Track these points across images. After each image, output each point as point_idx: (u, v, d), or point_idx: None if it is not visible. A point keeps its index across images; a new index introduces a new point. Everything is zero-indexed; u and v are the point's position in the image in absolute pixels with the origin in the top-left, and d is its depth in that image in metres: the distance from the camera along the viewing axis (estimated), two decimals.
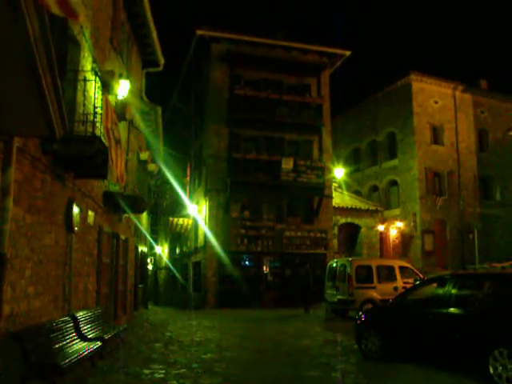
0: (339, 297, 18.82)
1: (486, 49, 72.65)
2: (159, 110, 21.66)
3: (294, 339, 13.74)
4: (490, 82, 39.01)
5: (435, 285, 10.14)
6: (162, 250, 39.04)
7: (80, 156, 8.88)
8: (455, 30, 76.87)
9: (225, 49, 27.29)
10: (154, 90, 33.34)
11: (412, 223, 33.23)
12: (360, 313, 12.08)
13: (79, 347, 8.68)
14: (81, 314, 10.06)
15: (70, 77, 10.04)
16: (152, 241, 34.98)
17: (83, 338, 9.43)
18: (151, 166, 23.00)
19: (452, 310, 9.01)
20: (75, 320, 9.54)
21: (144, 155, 21.35)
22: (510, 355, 7.82)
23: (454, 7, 76.44)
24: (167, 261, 37.50)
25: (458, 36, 76.85)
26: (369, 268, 19.10)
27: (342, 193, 31.72)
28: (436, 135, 34.79)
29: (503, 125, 33.88)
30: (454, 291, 9.32)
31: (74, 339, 9.03)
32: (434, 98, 34.83)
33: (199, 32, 26.80)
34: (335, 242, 30.03)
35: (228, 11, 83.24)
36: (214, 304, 25.37)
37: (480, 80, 38.59)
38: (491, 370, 8.02)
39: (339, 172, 27.83)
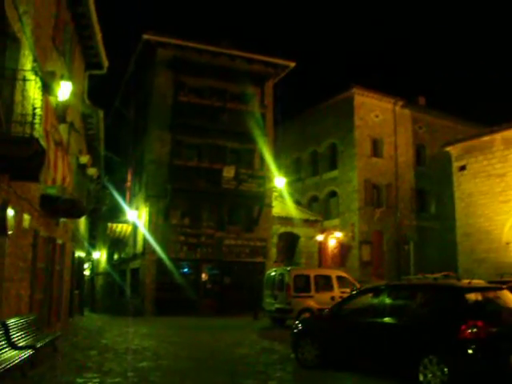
0: (277, 305, 18.94)
1: (425, 66, 75.01)
2: (101, 113, 21.28)
3: (232, 348, 13.72)
4: (428, 99, 40.37)
5: (371, 295, 10.36)
6: (100, 256, 38.32)
7: (16, 157, 8.61)
8: (397, 47, 79.06)
9: (170, 54, 27.15)
10: (97, 93, 32.70)
11: (350, 234, 33.83)
12: (297, 322, 12.17)
13: (9, 356, 8.37)
14: (12, 321, 9.71)
15: (8, 75, 9.74)
16: (90, 246, 34.29)
17: (13, 346, 9.09)
18: (91, 170, 22.52)
19: (386, 319, 9.22)
20: (5, 327, 9.19)
21: (84, 159, 20.88)
22: (439, 363, 8.08)
23: (396, 26, 78.64)
24: (105, 267, 36.82)
25: (400, 53, 79.00)
26: (307, 277, 19.33)
27: (282, 202, 31.96)
28: (376, 148, 35.59)
29: (439, 140, 34.93)
30: (388, 301, 9.55)
31: (4, 347, 8.69)
32: (375, 112, 35.64)
33: (145, 36, 26.54)
34: (274, 250, 30.22)
35: (175, 17, 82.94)
36: (152, 311, 25.07)
37: (419, 97, 39.78)
38: (421, 378, 8.26)
39: (280, 181, 28.08)
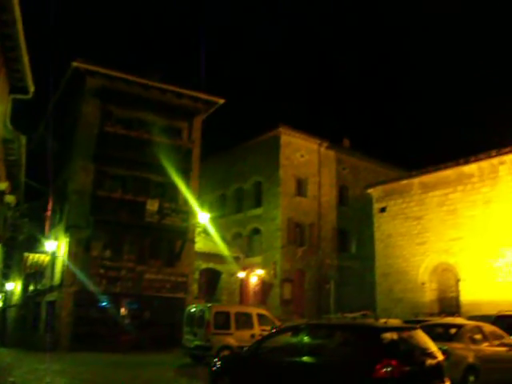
0: (197, 342, 18.66)
1: (351, 109, 77.56)
2: (23, 138, 20.59)
3: None
4: (352, 142, 41.78)
5: (290, 333, 10.40)
6: (15, 287, 36.68)
7: None
8: (326, 89, 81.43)
9: (100, 84, 26.81)
10: (22, 118, 31.77)
11: (272, 271, 34.02)
12: (215, 359, 12.05)
13: None
14: None
15: None
16: (4, 277, 32.82)
17: None
18: (9, 198, 21.70)
19: (305, 358, 9.25)
20: None
21: (2, 185, 20.15)
22: None
23: (325, 68, 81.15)
24: (19, 298, 35.26)
25: (328, 95, 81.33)
26: (227, 314, 19.21)
27: (205, 238, 31.82)
28: (300, 187, 36.26)
29: (362, 182, 36.05)
30: (307, 340, 9.61)
31: None
32: (300, 151, 36.42)
33: (74, 64, 26.04)
34: (196, 286, 29.94)
35: (108, 47, 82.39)
36: (68, 346, 24.07)
37: (344, 139, 41.09)
38: None
39: (204, 217, 27.97)
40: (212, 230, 30.77)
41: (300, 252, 34.80)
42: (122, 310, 26.04)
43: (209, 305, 19.81)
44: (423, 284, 27.23)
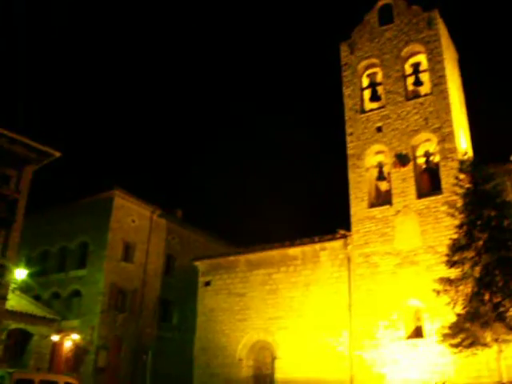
0: None
1: (189, 182, 78.21)
2: None
3: None
4: (185, 213, 42.26)
5: None
6: None
7: None
8: (166, 161, 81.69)
9: None
10: None
11: (89, 337, 32.37)
12: None
13: None
14: None
15: None
16: None
17: None
18: None
19: None
20: None
21: None
22: None
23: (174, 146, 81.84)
24: None
25: (167, 167, 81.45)
26: (31, 382, 17.90)
27: (19, 295, 29.59)
28: (128, 253, 35.50)
29: (189, 253, 36.28)
30: None
31: None
32: (132, 216, 35.92)
33: None
34: (1, 348, 27.46)
35: None
36: None
37: (177, 209, 41.42)
38: None
39: (21, 273, 26.10)
40: (28, 287, 28.78)
41: (120, 319, 33.63)
42: None
43: (11, 370, 18.24)
44: (240, 360, 27.55)
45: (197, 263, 31.66)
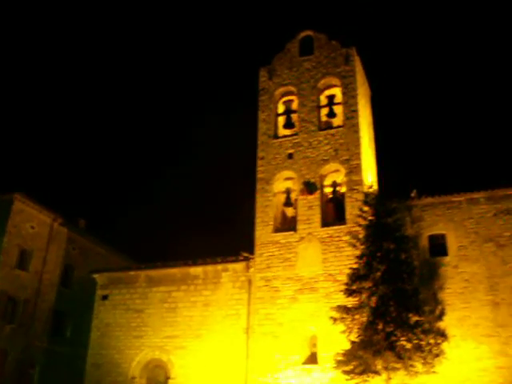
0: None
1: (93, 193, 75.85)
2: None
3: None
4: (89, 223, 41.12)
5: None
6: None
7: None
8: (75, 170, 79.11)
9: None
10: None
11: None
12: None
13: None
14: None
15: None
16: None
17: None
18: None
19: None
20: None
21: None
22: None
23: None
24: None
25: (74, 174, 78.77)
26: None
27: None
28: (23, 260, 33.98)
29: (89, 265, 35.20)
30: None
31: None
32: (32, 222, 34.48)
33: None
34: None
35: None
36: None
37: (80, 219, 40.19)
38: None
39: None
40: None
41: (8, 329, 31.94)
42: None
43: None
44: (133, 378, 26.75)
45: (95, 276, 30.52)
